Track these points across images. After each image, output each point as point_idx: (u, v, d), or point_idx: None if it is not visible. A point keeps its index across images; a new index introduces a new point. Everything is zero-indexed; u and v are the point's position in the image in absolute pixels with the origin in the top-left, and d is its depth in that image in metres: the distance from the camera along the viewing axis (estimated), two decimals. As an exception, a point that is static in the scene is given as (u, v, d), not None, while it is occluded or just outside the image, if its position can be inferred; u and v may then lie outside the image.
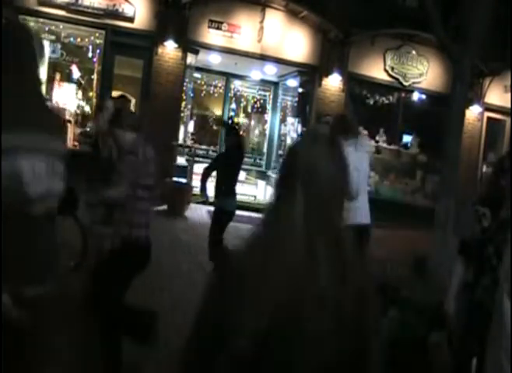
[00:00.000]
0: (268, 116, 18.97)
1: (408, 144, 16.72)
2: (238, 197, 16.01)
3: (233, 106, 19.38)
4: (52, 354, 3.04)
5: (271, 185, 17.20)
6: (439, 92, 15.93)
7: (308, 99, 15.97)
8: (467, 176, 15.09)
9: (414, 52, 15.91)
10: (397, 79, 15.94)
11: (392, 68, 15.84)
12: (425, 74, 16.07)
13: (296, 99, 16.96)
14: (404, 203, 15.43)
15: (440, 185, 9.67)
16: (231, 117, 18.65)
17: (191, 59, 14.96)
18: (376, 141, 16.01)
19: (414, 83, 16.10)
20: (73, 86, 14.87)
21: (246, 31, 14.75)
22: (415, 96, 16.67)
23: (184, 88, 15.13)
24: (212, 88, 19.06)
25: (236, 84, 18.98)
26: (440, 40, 9.69)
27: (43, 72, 13.91)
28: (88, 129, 13.04)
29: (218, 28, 14.56)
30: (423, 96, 16.66)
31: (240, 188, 16.50)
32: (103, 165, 5.45)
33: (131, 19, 13.87)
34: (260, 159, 18.97)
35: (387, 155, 16.05)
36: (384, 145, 16.09)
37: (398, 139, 16.54)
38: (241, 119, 19.89)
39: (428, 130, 15.73)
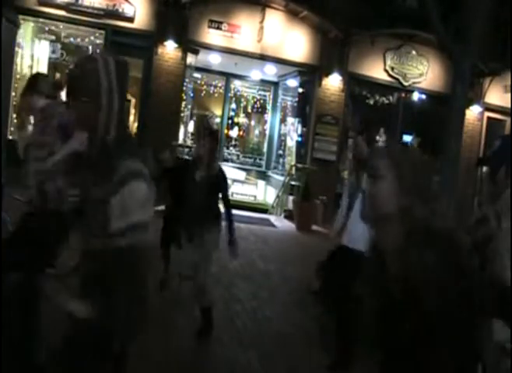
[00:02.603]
0: (268, 116, 18.98)
1: (409, 144, 16.72)
2: (238, 197, 16.19)
3: (233, 106, 19.38)
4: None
5: (271, 185, 17.21)
6: (439, 92, 15.92)
7: (308, 99, 15.96)
8: (467, 176, 15.09)
9: (414, 52, 15.89)
10: (397, 79, 15.93)
11: (392, 68, 15.83)
12: (425, 74, 16.06)
13: (296, 99, 16.96)
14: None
15: (440, 185, 9.66)
16: None
17: (191, 59, 14.96)
18: (377, 141, 16.00)
19: (414, 83, 16.08)
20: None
21: (246, 31, 14.74)
22: (415, 96, 16.65)
23: (184, 88, 15.12)
24: (212, 88, 19.07)
25: (236, 84, 18.98)
26: (440, 40, 9.70)
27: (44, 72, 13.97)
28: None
29: (218, 28, 14.55)
30: (423, 96, 16.64)
31: (240, 188, 16.67)
32: None
33: (131, 19, 13.87)
34: (260, 159, 18.98)
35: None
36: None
37: (398, 139, 16.53)
38: (241, 119, 19.89)
39: (428, 130, 15.75)
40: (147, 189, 2.56)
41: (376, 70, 15.76)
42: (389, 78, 15.91)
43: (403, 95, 16.48)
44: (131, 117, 17.61)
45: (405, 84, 15.99)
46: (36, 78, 5.21)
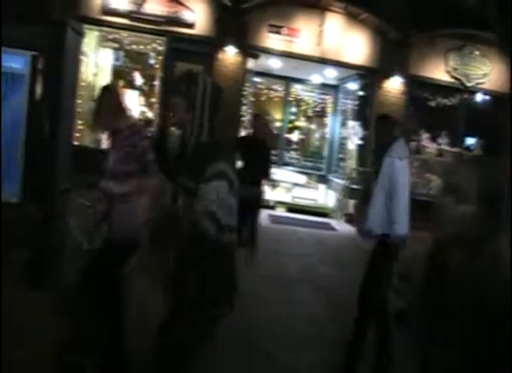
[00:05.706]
0: (328, 120, 18.93)
1: (472, 147, 16.41)
2: (299, 201, 16.17)
3: (293, 109, 19.42)
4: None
5: (331, 189, 17.15)
6: (503, 93, 15.57)
7: (368, 102, 15.84)
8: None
9: (477, 52, 15.59)
10: (459, 80, 15.65)
11: (455, 69, 15.57)
12: (488, 74, 15.73)
13: (357, 102, 16.87)
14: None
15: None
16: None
17: (250, 64, 15.08)
18: (439, 144, 15.80)
19: (477, 84, 15.77)
20: (136, 93, 15.16)
21: (305, 35, 14.77)
22: (478, 97, 16.33)
23: (245, 92, 15.23)
24: (272, 92, 19.14)
25: (296, 88, 19.01)
26: (499, 40, 9.52)
27: (107, 79, 14.29)
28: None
29: (277, 32, 14.63)
30: (486, 97, 16.30)
31: (300, 192, 16.66)
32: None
33: (191, 26, 14.09)
34: (320, 163, 18.93)
35: (449, 157, 15.81)
36: (447, 148, 15.85)
37: (461, 141, 16.24)
38: (301, 123, 19.90)
39: (492, 131, 15.42)
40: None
41: (437, 71, 15.54)
42: (451, 80, 15.65)
43: (465, 96, 16.18)
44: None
45: (468, 85, 15.70)
46: (109, 89, 4.48)
